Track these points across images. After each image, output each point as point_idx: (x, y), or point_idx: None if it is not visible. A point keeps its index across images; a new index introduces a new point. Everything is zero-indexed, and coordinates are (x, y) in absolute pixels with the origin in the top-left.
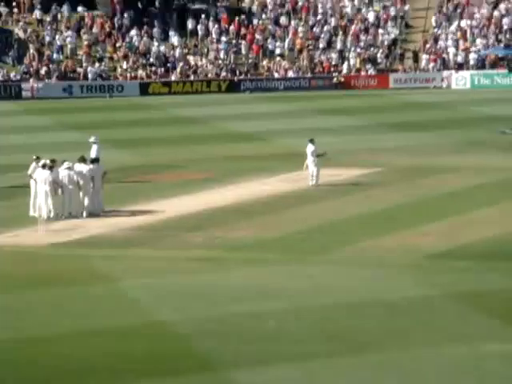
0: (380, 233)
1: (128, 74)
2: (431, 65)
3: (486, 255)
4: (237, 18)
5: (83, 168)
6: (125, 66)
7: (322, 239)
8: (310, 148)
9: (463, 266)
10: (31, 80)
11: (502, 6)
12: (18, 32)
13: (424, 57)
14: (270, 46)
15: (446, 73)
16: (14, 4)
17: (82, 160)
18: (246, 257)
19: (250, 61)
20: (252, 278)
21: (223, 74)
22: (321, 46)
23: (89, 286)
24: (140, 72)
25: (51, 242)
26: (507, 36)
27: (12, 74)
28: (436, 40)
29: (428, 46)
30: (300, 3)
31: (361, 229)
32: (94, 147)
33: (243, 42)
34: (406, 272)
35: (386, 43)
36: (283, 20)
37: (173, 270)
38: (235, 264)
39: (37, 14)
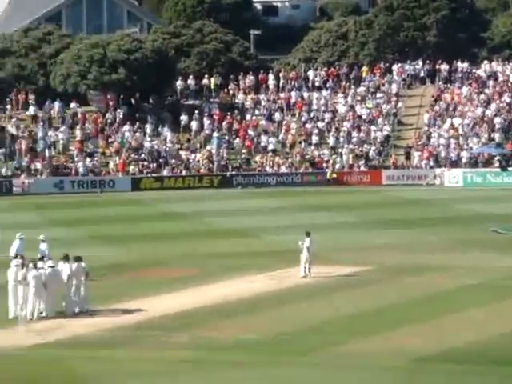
0: (367, 333)
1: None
2: (424, 162)
3: (474, 359)
4: (230, 114)
5: (64, 266)
6: (117, 162)
7: (308, 340)
8: (307, 242)
9: (451, 369)
10: (22, 176)
11: (494, 106)
12: (10, 128)
13: (416, 154)
14: (262, 142)
15: (438, 170)
16: (7, 101)
17: (66, 258)
18: (229, 359)
19: (242, 156)
20: (232, 381)
21: (215, 169)
22: (313, 141)
23: None
24: (132, 167)
25: (31, 344)
26: (499, 135)
27: (3, 170)
28: (428, 137)
29: (420, 143)
30: (293, 99)
31: (348, 329)
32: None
33: (236, 137)
34: (391, 376)
35: (378, 140)
36: (276, 116)
37: (155, 372)
38: (218, 366)
39: (31, 110)
